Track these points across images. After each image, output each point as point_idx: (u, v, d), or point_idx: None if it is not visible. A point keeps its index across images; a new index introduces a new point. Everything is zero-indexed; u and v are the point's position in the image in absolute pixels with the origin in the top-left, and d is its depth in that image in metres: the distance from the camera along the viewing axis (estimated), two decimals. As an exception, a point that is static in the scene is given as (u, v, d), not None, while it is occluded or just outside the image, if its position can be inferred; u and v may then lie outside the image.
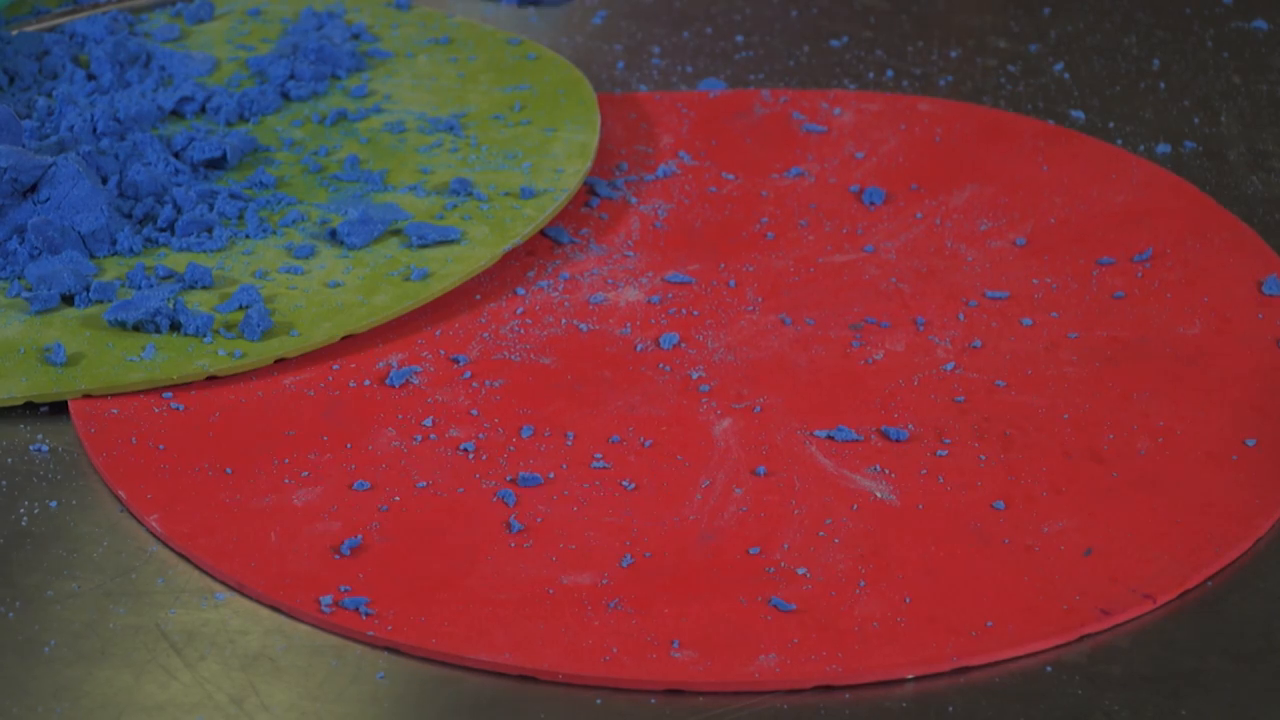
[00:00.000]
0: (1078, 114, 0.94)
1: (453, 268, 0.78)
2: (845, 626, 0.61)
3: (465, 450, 0.69)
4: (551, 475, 0.68)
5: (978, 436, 0.70)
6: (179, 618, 0.62)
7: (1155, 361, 0.74)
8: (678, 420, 0.71)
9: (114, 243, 0.79)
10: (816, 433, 0.70)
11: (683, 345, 0.76)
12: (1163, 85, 0.97)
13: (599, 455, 0.69)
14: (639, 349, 0.75)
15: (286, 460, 0.69)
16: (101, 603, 0.63)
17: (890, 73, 0.98)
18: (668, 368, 0.74)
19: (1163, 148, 0.90)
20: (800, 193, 0.86)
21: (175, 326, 0.74)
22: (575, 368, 0.74)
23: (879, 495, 0.67)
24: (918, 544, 0.65)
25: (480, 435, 0.70)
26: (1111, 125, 0.93)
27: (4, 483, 0.68)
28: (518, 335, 0.76)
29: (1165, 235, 0.82)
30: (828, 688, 0.60)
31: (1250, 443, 0.70)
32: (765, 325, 0.77)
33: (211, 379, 0.73)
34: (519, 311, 0.78)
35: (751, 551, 0.65)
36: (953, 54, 1.00)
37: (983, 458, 0.69)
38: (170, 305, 0.74)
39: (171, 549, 0.65)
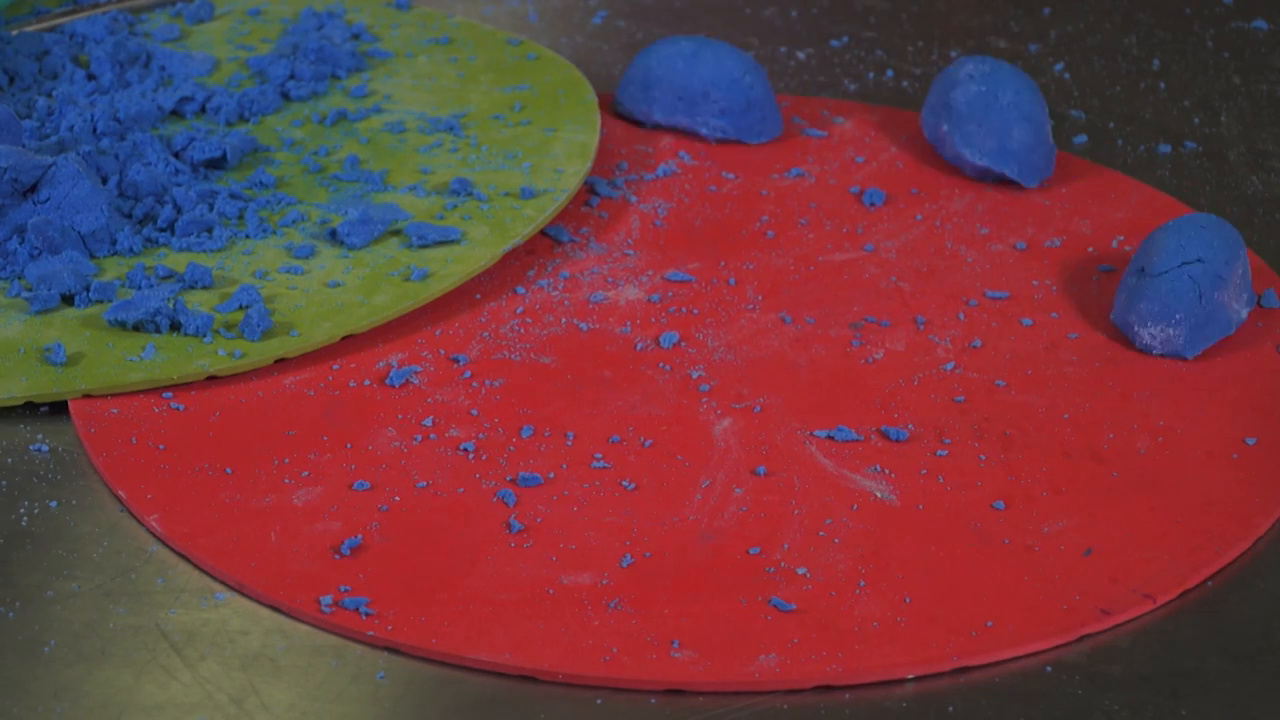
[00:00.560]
0: (1078, 114, 0.94)
1: (453, 268, 0.78)
2: (845, 626, 0.61)
3: (465, 450, 0.69)
4: (551, 475, 0.68)
5: (978, 436, 0.70)
6: (179, 618, 0.62)
7: (1155, 361, 0.74)
8: (678, 420, 0.71)
9: (114, 243, 0.79)
10: (816, 432, 0.70)
11: (683, 344, 0.76)
12: (1163, 85, 0.97)
13: (599, 455, 0.69)
14: (639, 348, 0.75)
15: (286, 460, 0.69)
16: (101, 603, 0.63)
17: (890, 73, 0.98)
18: (668, 367, 0.74)
19: (1163, 148, 0.90)
20: (800, 192, 0.86)
21: (175, 326, 0.74)
22: (575, 367, 0.74)
23: (879, 495, 0.67)
24: (918, 544, 0.65)
25: (480, 435, 0.70)
26: (1111, 125, 0.93)
27: (4, 483, 0.68)
28: (518, 335, 0.76)
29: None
30: (828, 688, 0.60)
31: (1250, 442, 0.70)
32: (765, 324, 0.77)
33: (211, 379, 0.73)
34: (519, 311, 0.78)
35: (751, 551, 0.65)
36: (953, 54, 1.00)
37: (983, 458, 0.69)
38: (170, 305, 0.74)
39: (171, 549, 0.65)
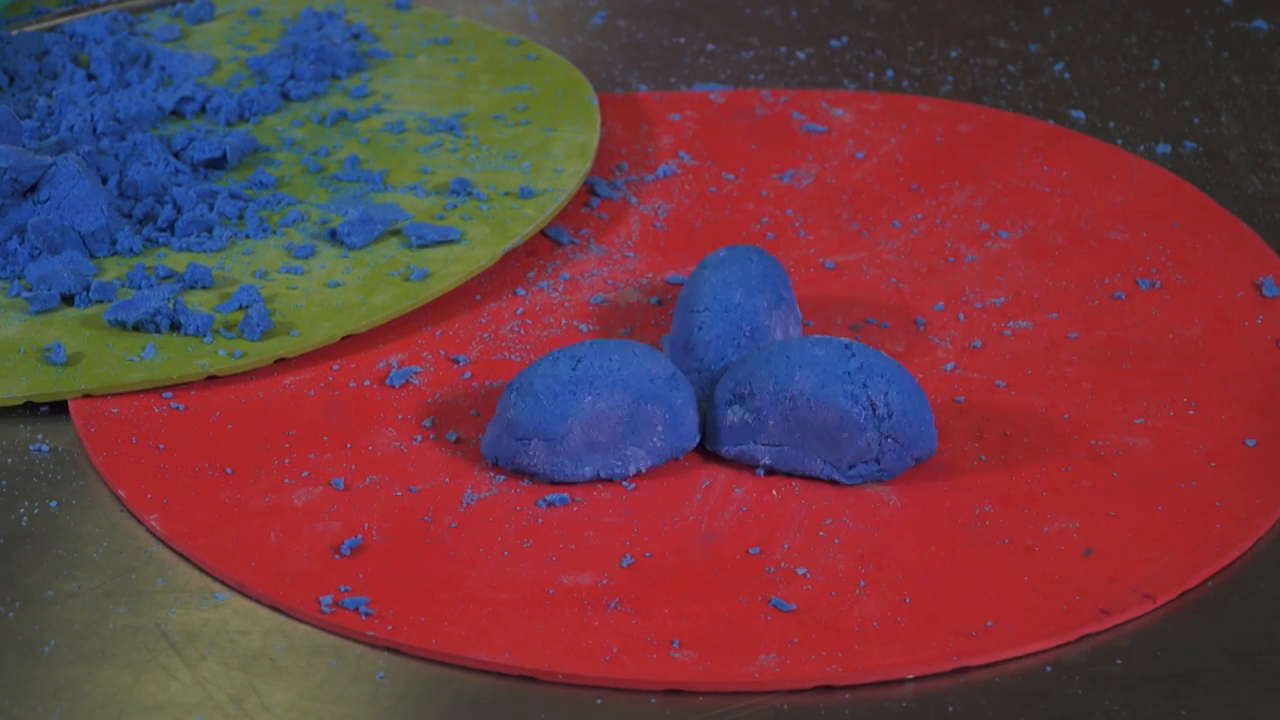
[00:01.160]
0: (1078, 114, 0.94)
1: (453, 268, 0.78)
2: (845, 626, 0.61)
3: (465, 451, 0.69)
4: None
5: (977, 436, 0.70)
6: (179, 618, 0.62)
7: (1155, 361, 0.74)
8: (678, 420, 0.71)
9: (114, 243, 0.79)
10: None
11: (683, 345, 0.76)
12: (1163, 85, 0.97)
13: (599, 455, 0.69)
14: (639, 349, 0.75)
15: (286, 460, 0.69)
16: (101, 603, 0.63)
17: (890, 73, 0.98)
18: (668, 368, 0.74)
19: (1163, 148, 0.90)
20: (800, 192, 0.86)
21: (175, 326, 0.74)
22: (575, 368, 0.74)
23: (880, 495, 0.67)
24: (918, 544, 0.65)
25: (481, 435, 0.70)
26: (1111, 125, 0.93)
27: (4, 483, 0.68)
28: (518, 335, 0.76)
29: (1165, 235, 0.82)
30: (828, 688, 0.60)
31: (1250, 443, 0.70)
32: (765, 325, 0.77)
33: (211, 379, 0.73)
34: (519, 312, 0.78)
35: (751, 551, 0.65)
36: (953, 54, 1.00)
37: (982, 457, 0.69)
38: (170, 305, 0.74)
39: (171, 549, 0.65)
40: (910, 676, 0.60)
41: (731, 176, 0.87)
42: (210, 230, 0.80)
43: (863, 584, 0.63)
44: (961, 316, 0.77)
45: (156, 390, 0.72)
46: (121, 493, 0.67)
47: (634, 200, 0.85)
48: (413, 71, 0.93)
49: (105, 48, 0.92)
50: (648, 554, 0.65)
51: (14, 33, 0.94)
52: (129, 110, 0.87)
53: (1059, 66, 0.99)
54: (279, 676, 0.60)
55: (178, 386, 0.72)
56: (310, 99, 0.91)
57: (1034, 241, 0.82)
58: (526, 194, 0.82)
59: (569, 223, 0.83)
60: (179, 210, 0.81)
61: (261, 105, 0.89)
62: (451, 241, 0.79)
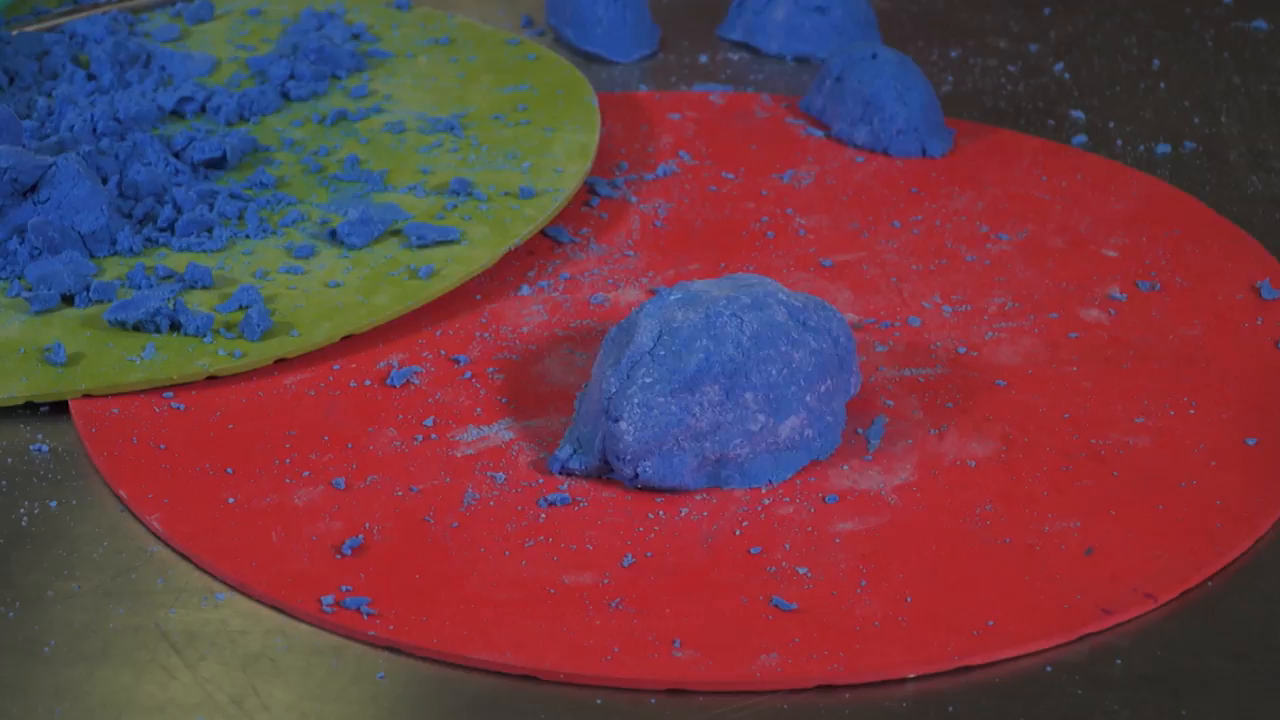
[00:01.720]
0: (1078, 114, 0.94)
1: (453, 268, 0.78)
2: (846, 626, 0.61)
3: (466, 451, 0.69)
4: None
5: (978, 436, 0.70)
6: (179, 618, 0.62)
7: (1155, 361, 0.74)
8: (678, 420, 0.71)
9: (114, 243, 0.79)
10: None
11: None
12: (1163, 85, 0.97)
13: (599, 455, 0.69)
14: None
15: (287, 460, 0.69)
16: (101, 603, 0.63)
17: (890, 73, 0.98)
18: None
19: (1163, 148, 0.90)
20: (800, 192, 0.86)
21: (175, 326, 0.74)
22: (576, 367, 0.74)
23: (880, 495, 0.67)
24: (918, 543, 0.65)
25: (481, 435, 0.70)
26: (1111, 125, 0.93)
27: (4, 483, 0.68)
28: (518, 336, 0.76)
29: (1164, 240, 0.83)
30: (829, 687, 0.60)
31: (1250, 442, 0.70)
32: (765, 325, 0.77)
33: (212, 379, 0.73)
34: (519, 311, 0.78)
35: (753, 551, 0.65)
36: (953, 54, 1.00)
37: (982, 457, 0.69)
38: (170, 305, 0.74)
39: (172, 549, 0.65)
40: (911, 676, 0.60)
41: (731, 176, 0.87)
42: (210, 230, 0.80)
43: (864, 583, 0.63)
44: (961, 316, 0.77)
45: (157, 390, 0.72)
46: (122, 493, 0.67)
47: (634, 199, 0.85)
48: (413, 71, 0.93)
49: (105, 48, 0.92)
50: (649, 553, 0.65)
51: (14, 33, 0.94)
52: (129, 110, 0.87)
53: (1059, 66, 0.99)
54: (279, 676, 0.60)
55: (178, 386, 0.72)
56: (310, 99, 0.91)
57: (1034, 244, 0.82)
58: (526, 194, 0.82)
59: (569, 222, 0.83)
60: (179, 210, 0.81)
61: (261, 105, 0.89)
62: (451, 241, 0.79)
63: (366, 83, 0.92)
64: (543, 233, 0.82)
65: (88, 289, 0.76)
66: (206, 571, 0.64)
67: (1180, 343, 0.75)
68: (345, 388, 0.73)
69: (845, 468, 0.69)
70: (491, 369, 0.74)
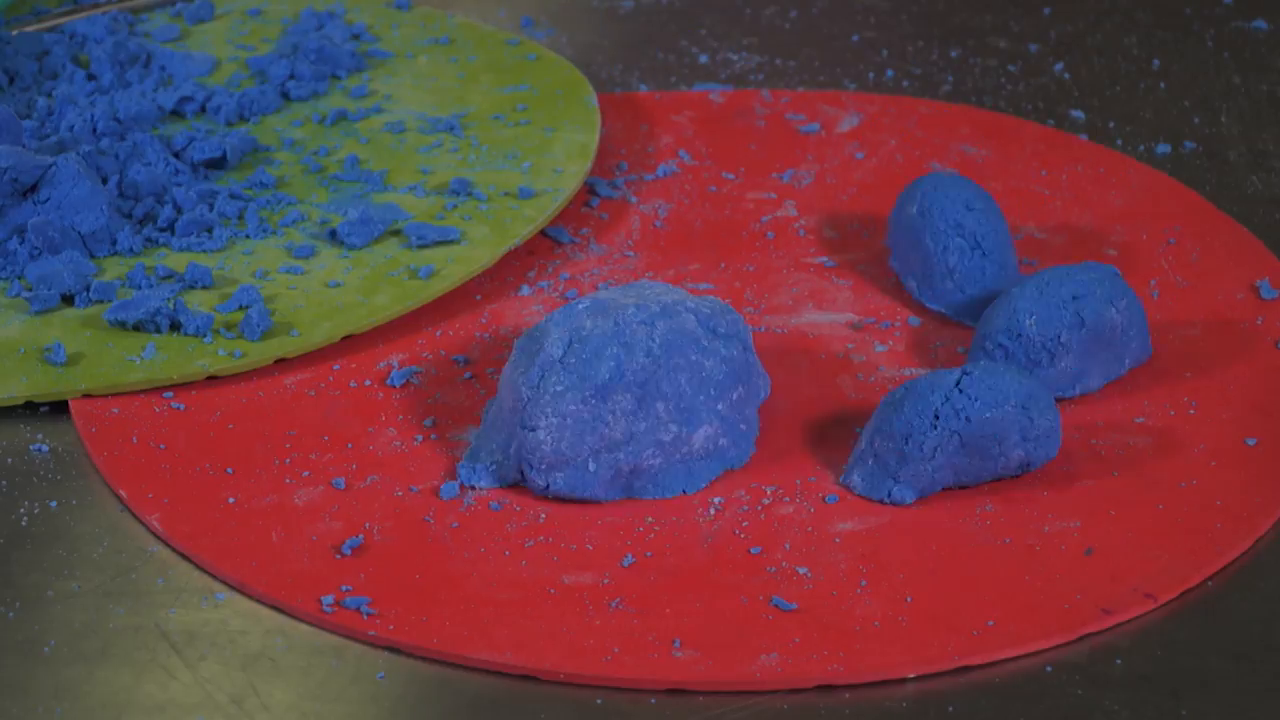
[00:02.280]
0: (1078, 114, 0.94)
1: (453, 268, 0.78)
2: (847, 626, 0.61)
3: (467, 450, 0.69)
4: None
5: (978, 436, 0.70)
6: (179, 618, 0.62)
7: (1156, 361, 0.74)
8: (678, 420, 0.71)
9: (114, 243, 0.79)
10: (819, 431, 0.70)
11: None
12: (1163, 85, 0.97)
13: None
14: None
15: (288, 460, 0.69)
16: (101, 603, 0.63)
17: (890, 73, 0.98)
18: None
19: (1163, 148, 0.90)
20: (800, 192, 0.86)
21: (175, 326, 0.74)
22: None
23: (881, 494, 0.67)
24: (919, 543, 0.65)
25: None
26: (1111, 125, 0.93)
27: (4, 483, 0.68)
28: (518, 335, 0.76)
29: (1163, 239, 0.82)
30: (829, 687, 0.60)
31: (1250, 442, 0.70)
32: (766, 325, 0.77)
33: (212, 379, 0.73)
34: (520, 311, 0.78)
35: (753, 551, 0.65)
36: (953, 54, 1.00)
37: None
38: (170, 305, 0.74)
39: (172, 549, 0.65)
40: (911, 676, 0.60)
41: (731, 176, 0.87)
42: (210, 230, 0.80)
43: (864, 583, 0.63)
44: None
45: (157, 390, 0.72)
46: (123, 493, 0.67)
47: (634, 200, 0.85)
48: (413, 71, 0.93)
49: (105, 48, 0.92)
50: (649, 553, 0.64)
51: (14, 33, 0.94)
52: (129, 110, 0.87)
53: (1059, 66, 0.98)
54: (279, 676, 0.60)
55: (178, 386, 0.72)
56: (310, 99, 0.91)
57: (1034, 243, 0.82)
58: (526, 194, 0.82)
59: (569, 222, 0.83)
60: (179, 210, 0.81)
61: (261, 105, 0.89)
62: (451, 241, 0.79)
63: (366, 83, 0.92)
64: (543, 233, 0.82)
65: (88, 289, 0.76)
66: (206, 571, 0.64)
67: (1180, 342, 0.75)
68: (345, 388, 0.73)
69: (845, 467, 0.69)
70: (491, 369, 0.74)
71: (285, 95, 0.91)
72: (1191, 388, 0.73)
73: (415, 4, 1.01)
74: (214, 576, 0.64)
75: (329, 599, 0.62)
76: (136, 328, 0.74)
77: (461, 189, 0.83)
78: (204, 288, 0.76)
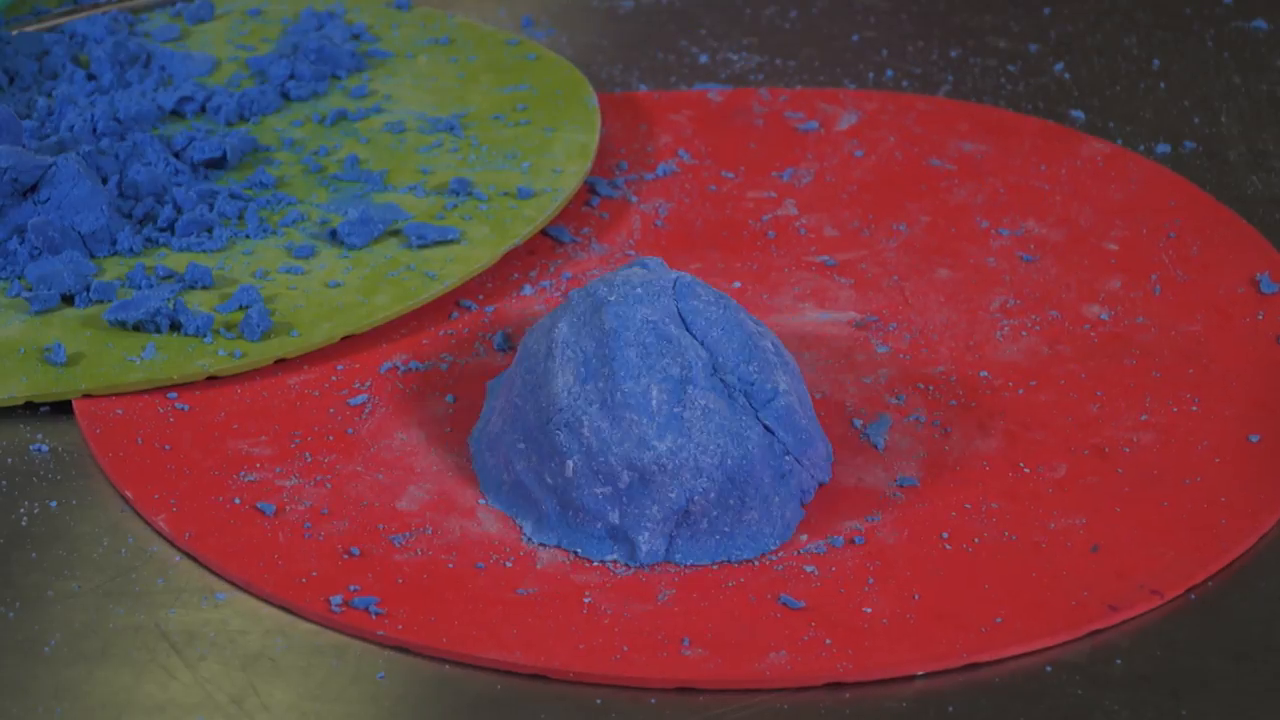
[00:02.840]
0: (1078, 114, 0.94)
1: (453, 268, 0.78)
2: (854, 624, 0.61)
3: (468, 450, 0.69)
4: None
5: (982, 434, 0.70)
6: (179, 618, 0.62)
7: (1158, 358, 0.74)
8: (681, 419, 0.71)
9: (114, 243, 0.79)
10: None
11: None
12: (1163, 85, 0.97)
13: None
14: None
15: (293, 460, 0.69)
16: (101, 603, 0.62)
17: (890, 73, 0.98)
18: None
19: (1163, 148, 0.90)
20: (800, 191, 0.86)
21: (175, 326, 0.74)
22: (578, 367, 0.74)
23: (886, 493, 0.67)
24: (925, 541, 0.65)
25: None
26: (1111, 125, 0.93)
27: (4, 483, 0.68)
28: (519, 335, 0.76)
29: (1164, 233, 0.82)
30: (838, 685, 0.59)
31: (1254, 438, 0.70)
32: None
33: (215, 379, 0.72)
34: (521, 311, 0.77)
35: (758, 549, 0.65)
36: (953, 54, 1.00)
37: (988, 456, 0.69)
38: (170, 305, 0.74)
39: (175, 548, 0.65)
40: (920, 673, 0.60)
41: (731, 175, 0.87)
42: (210, 230, 0.80)
43: (871, 581, 0.63)
44: (964, 314, 0.77)
45: (161, 391, 0.72)
46: (128, 493, 0.67)
47: (634, 199, 0.85)
48: (413, 71, 0.93)
49: (105, 48, 0.92)
50: (653, 552, 0.64)
51: (14, 33, 0.94)
52: (129, 110, 0.87)
53: (1059, 66, 0.98)
54: (279, 676, 0.60)
55: (182, 387, 0.72)
56: (310, 99, 0.90)
57: (1034, 239, 0.82)
58: (526, 194, 0.82)
59: (570, 221, 0.83)
60: (179, 210, 0.80)
61: (261, 105, 0.89)
62: (451, 241, 0.79)
63: (366, 83, 0.92)
64: (543, 233, 0.82)
65: (88, 289, 0.76)
66: (214, 572, 0.64)
67: (1182, 339, 0.75)
68: (349, 388, 0.73)
69: (851, 466, 0.68)
70: (491, 370, 0.74)
71: (285, 95, 0.91)
72: (1194, 384, 0.73)
73: (415, 4, 1.01)
74: (222, 577, 0.63)
75: (337, 599, 0.62)
76: (136, 328, 0.74)
77: (461, 189, 0.83)
78: (204, 288, 0.76)
